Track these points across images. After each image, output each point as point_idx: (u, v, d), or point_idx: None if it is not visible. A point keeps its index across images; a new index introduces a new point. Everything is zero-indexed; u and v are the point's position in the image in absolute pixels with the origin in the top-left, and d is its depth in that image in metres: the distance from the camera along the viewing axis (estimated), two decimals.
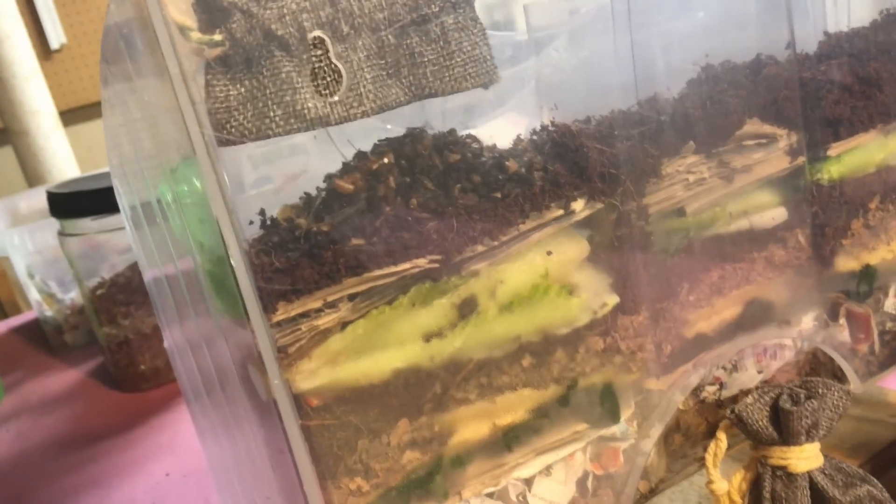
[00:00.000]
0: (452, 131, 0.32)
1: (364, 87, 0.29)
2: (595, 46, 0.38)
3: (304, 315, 0.30)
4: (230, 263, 0.28)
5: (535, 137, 0.36)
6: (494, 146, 0.33)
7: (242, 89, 0.28)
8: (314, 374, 0.30)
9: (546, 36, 0.37)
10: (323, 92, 0.28)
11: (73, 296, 0.87)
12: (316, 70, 0.28)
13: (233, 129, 0.28)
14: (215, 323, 0.33)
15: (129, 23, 0.29)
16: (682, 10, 0.40)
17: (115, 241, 0.74)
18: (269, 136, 0.28)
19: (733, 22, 0.42)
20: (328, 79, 0.28)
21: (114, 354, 0.75)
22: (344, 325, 0.31)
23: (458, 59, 0.31)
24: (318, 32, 0.28)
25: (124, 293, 0.75)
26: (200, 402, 0.40)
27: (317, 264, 0.29)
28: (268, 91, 0.28)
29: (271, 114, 0.28)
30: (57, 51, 1.95)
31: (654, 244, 0.38)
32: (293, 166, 0.37)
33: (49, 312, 0.87)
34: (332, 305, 0.30)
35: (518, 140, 0.35)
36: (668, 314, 0.39)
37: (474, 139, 0.33)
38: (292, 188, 0.34)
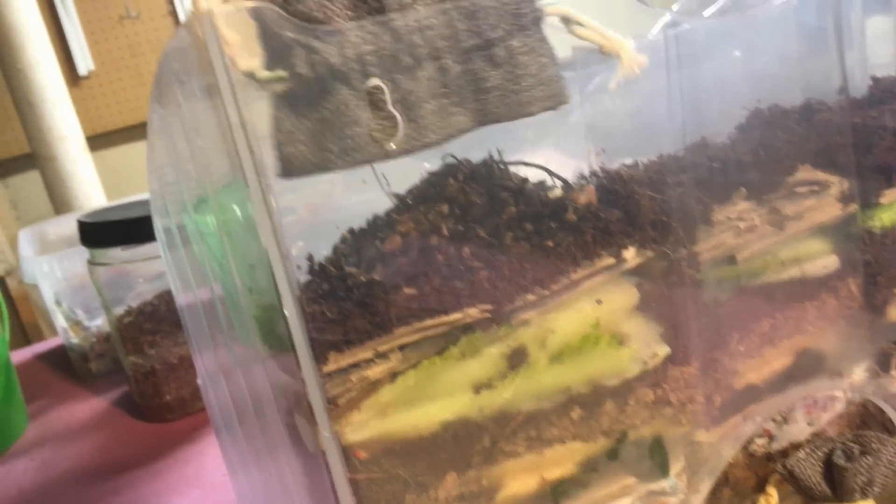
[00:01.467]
0: (507, 171, 0.32)
1: (427, 118, 0.29)
2: (642, 89, 0.37)
3: (355, 365, 0.29)
4: (283, 314, 0.27)
5: (583, 183, 0.35)
6: (546, 190, 0.33)
7: (308, 123, 0.27)
8: (363, 426, 0.29)
9: (590, 73, 0.37)
10: (379, 140, 0.28)
11: (100, 323, 0.87)
12: (372, 119, 0.28)
13: (297, 163, 0.27)
14: (255, 353, 0.33)
15: (184, 50, 0.29)
16: (729, 54, 0.40)
17: (143, 269, 0.74)
18: (330, 170, 0.28)
19: (781, 65, 0.42)
20: (385, 126, 0.28)
21: (139, 384, 0.74)
22: (394, 375, 0.30)
23: (526, 84, 0.30)
24: (376, 81, 0.28)
25: (151, 322, 0.75)
26: (231, 432, 0.40)
27: (368, 314, 0.29)
28: (331, 125, 0.27)
29: (334, 147, 0.28)
30: (85, 77, 1.99)
31: (704, 292, 0.37)
32: (318, 196, 0.37)
33: (75, 340, 0.87)
34: (382, 356, 0.30)
35: (567, 187, 0.34)
36: (718, 364, 0.38)
37: (525, 181, 0.32)
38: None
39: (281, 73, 0.27)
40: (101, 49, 2.00)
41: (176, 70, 0.30)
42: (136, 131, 2.06)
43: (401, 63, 0.28)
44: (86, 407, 0.81)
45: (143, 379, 0.74)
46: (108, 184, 1.83)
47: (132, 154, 2.07)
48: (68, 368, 0.90)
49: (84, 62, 1.99)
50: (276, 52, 0.27)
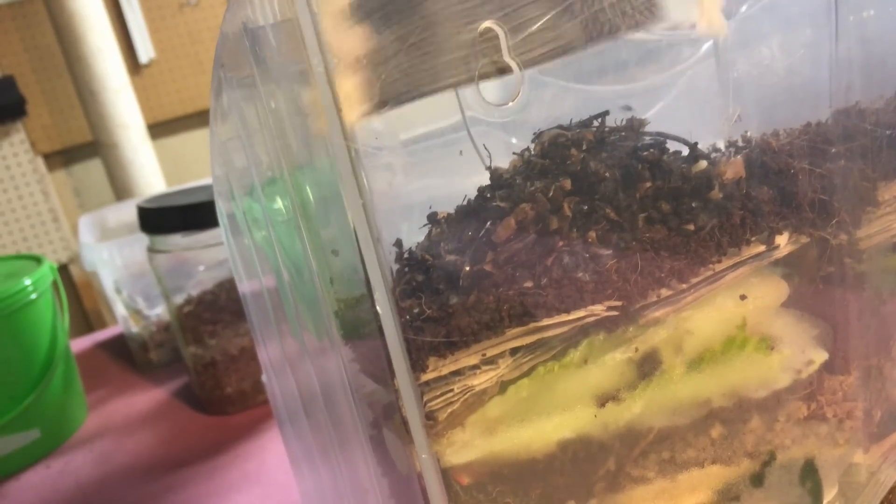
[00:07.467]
0: (640, 138, 0.26)
1: (530, 27, 0.23)
2: (794, 44, 0.31)
3: (457, 373, 0.24)
4: (376, 312, 0.22)
5: (723, 153, 0.29)
6: (687, 162, 0.27)
7: (384, 41, 0.22)
8: (467, 447, 0.24)
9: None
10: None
11: (159, 312, 0.85)
12: (483, 70, 0.23)
13: (384, 91, 0.22)
14: (329, 346, 0.28)
15: (259, 26, 0.24)
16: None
17: (204, 257, 0.71)
18: (412, 99, 0.23)
19: None
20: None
21: (199, 376, 0.72)
22: (503, 385, 0.25)
23: None
24: (489, 23, 0.22)
25: (211, 312, 0.72)
26: (297, 425, 0.36)
27: (476, 311, 0.24)
28: (411, 40, 0.22)
29: (414, 71, 0.22)
30: (146, 65, 1.99)
31: (865, 287, 0.31)
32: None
33: (135, 329, 0.85)
34: (490, 361, 0.24)
35: (713, 154, 0.28)
36: (880, 373, 0.31)
37: (664, 150, 0.26)
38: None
39: None
40: (162, 37, 2.01)
41: (245, 29, 0.25)
42: (195, 119, 2.06)
43: None
44: (145, 398, 0.79)
45: (203, 370, 0.71)
46: (168, 172, 1.83)
47: (192, 142, 2.07)
48: (128, 357, 0.88)
49: (145, 50, 2.00)
50: None
